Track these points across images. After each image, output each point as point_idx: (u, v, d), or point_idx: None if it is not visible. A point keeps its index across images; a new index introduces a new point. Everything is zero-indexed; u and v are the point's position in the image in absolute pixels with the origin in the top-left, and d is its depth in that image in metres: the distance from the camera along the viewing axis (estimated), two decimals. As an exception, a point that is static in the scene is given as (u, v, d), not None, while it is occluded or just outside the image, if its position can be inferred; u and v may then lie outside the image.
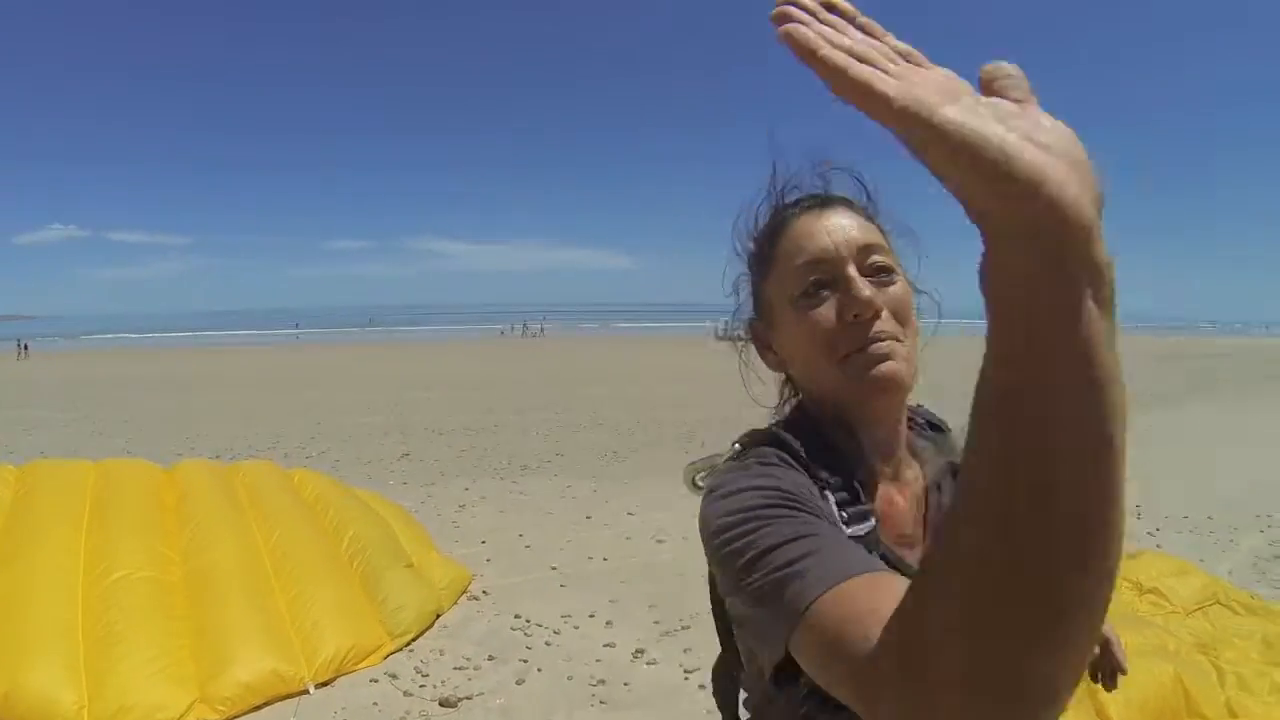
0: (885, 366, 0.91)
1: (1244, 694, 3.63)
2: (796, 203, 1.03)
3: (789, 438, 0.96)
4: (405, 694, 3.90)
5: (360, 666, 4.10)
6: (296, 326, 71.92)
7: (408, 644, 4.37)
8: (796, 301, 0.96)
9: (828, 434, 0.98)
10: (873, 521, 0.92)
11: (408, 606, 4.50)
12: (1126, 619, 4.10)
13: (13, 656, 3.68)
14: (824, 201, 1.01)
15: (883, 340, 0.92)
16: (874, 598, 0.65)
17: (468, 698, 3.88)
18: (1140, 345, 39.17)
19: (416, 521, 6.02)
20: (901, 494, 1.00)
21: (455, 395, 17.20)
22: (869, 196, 1.06)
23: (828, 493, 0.91)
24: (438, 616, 4.73)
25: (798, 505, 0.83)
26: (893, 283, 0.96)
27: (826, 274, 0.94)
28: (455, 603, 4.98)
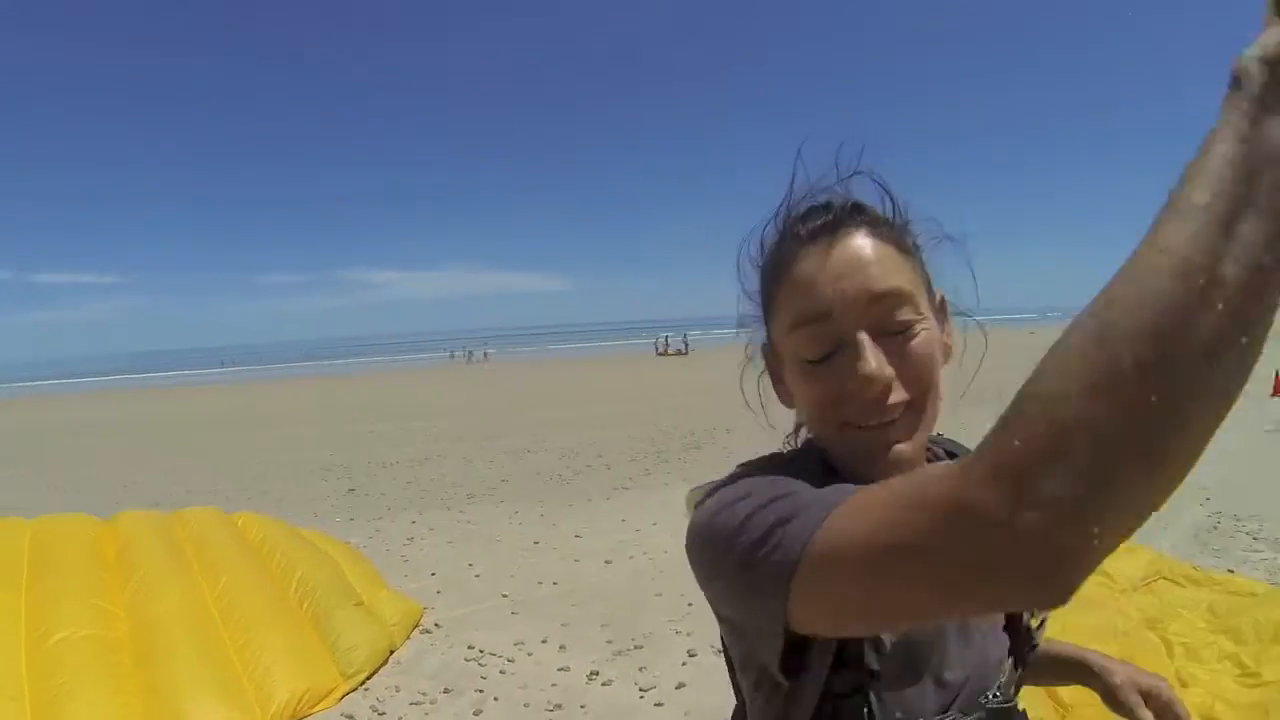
0: (891, 454, 0.83)
1: (1192, 663, 3.74)
2: (806, 219, 0.89)
3: (790, 462, 0.90)
4: (362, 733, 3.90)
5: (316, 710, 4.08)
6: (222, 365, 70.90)
7: (362, 683, 4.36)
8: (797, 360, 0.87)
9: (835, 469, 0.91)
10: None
11: (360, 645, 4.49)
12: (1077, 601, 4.21)
13: (-40, 726, 3.59)
14: (836, 223, 0.86)
15: (893, 421, 0.83)
16: (890, 486, 0.62)
17: (426, 732, 3.90)
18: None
19: (365, 558, 6.00)
20: None
21: (398, 427, 17.08)
22: (895, 207, 0.92)
23: None
24: (391, 653, 4.72)
25: (783, 481, 0.80)
26: (914, 335, 0.84)
27: (831, 335, 0.83)
28: (408, 638, 4.98)
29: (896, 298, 0.83)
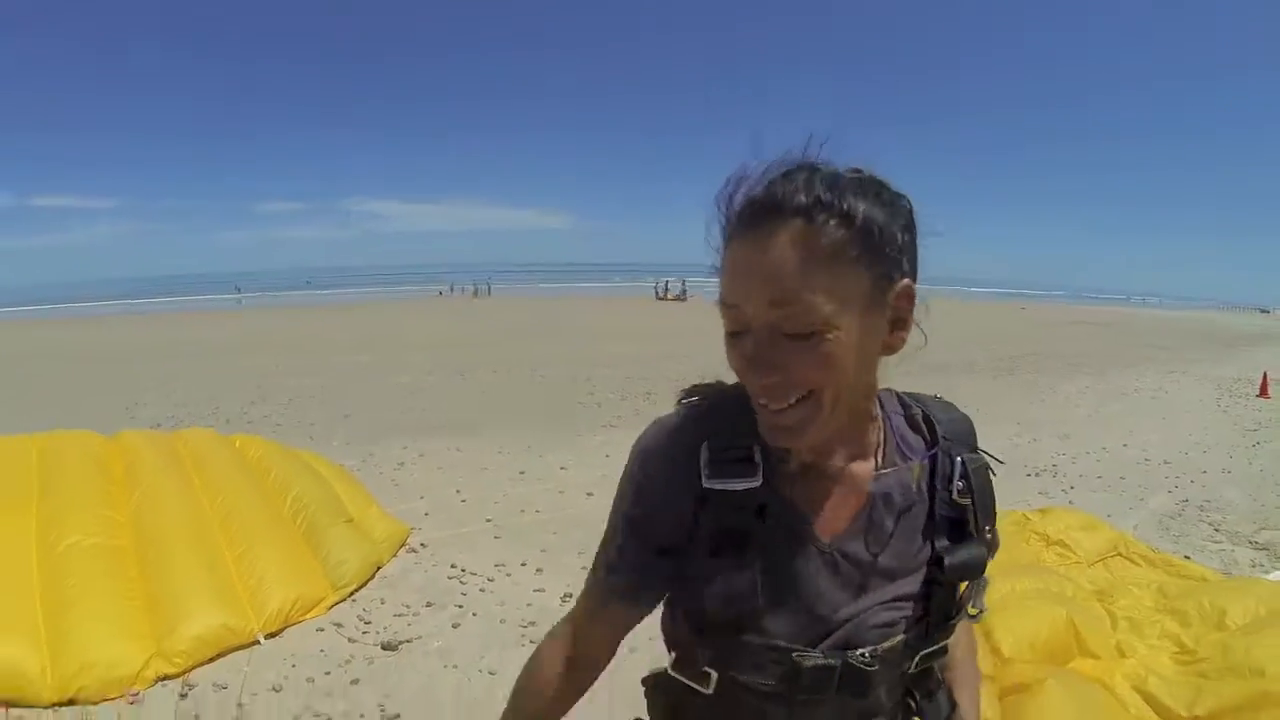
0: (780, 431, 0.92)
1: (1134, 637, 3.82)
2: (750, 207, 0.89)
3: (717, 396, 1.05)
4: (350, 640, 4.16)
5: (306, 617, 4.33)
6: (238, 290, 69.78)
7: (350, 595, 4.62)
8: (726, 329, 0.94)
9: None
10: (754, 482, 0.96)
11: (349, 560, 4.73)
12: (1028, 567, 4.33)
13: (-26, 630, 3.76)
14: (769, 214, 0.86)
15: (788, 409, 0.90)
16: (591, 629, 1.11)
17: (407, 641, 4.17)
18: (1063, 313, 40.56)
19: (357, 480, 6.21)
20: (842, 486, 1.02)
21: (395, 357, 17.20)
22: (836, 203, 0.87)
23: (705, 444, 0.98)
24: (378, 569, 4.97)
25: (640, 524, 1.04)
26: (814, 346, 0.87)
27: (741, 320, 0.90)
28: (394, 555, 5.23)
29: (799, 308, 0.85)
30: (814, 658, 0.98)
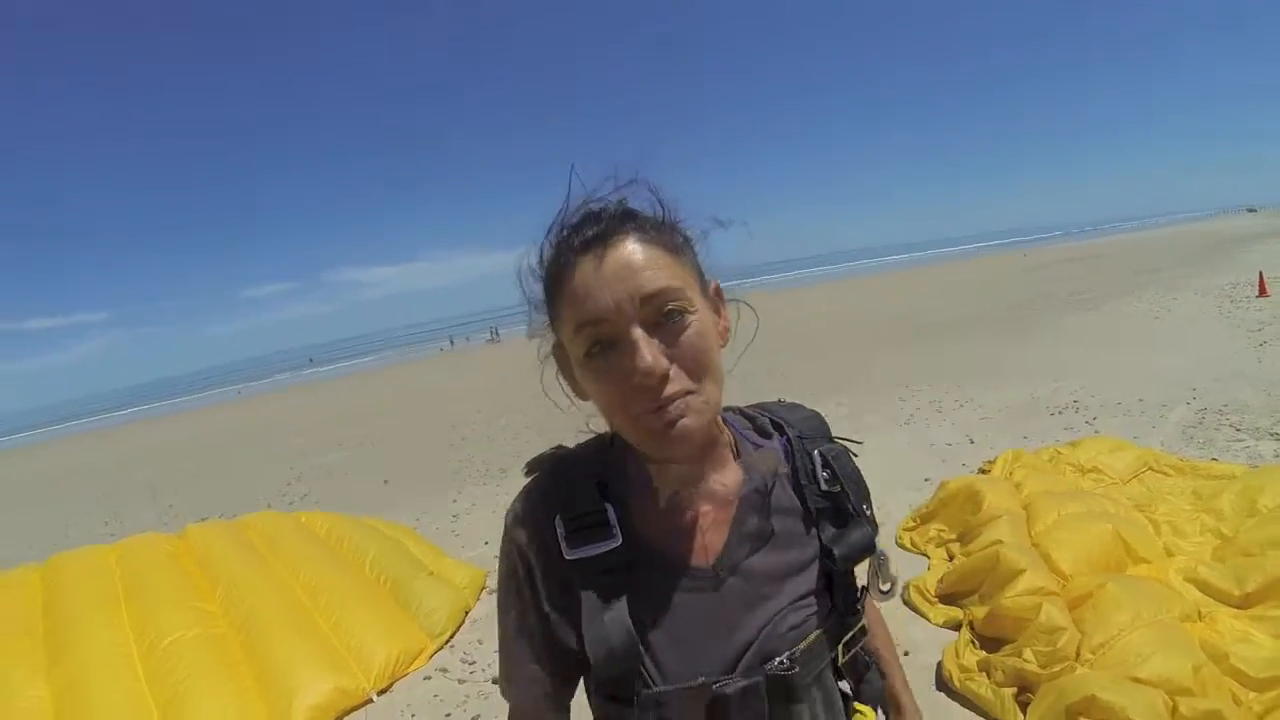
0: (675, 431, 0.92)
1: (1178, 538, 4.11)
2: (579, 230, 0.96)
3: (553, 468, 1.09)
4: (459, 681, 4.37)
5: (411, 669, 4.53)
6: (239, 391, 69.48)
7: (447, 641, 4.82)
8: (584, 362, 0.95)
9: (624, 454, 1.07)
10: (614, 543, 0.98)
11: (439, 609, 4.95)
12: (1069, 493, 4.56)
13: (92, 741, 3.88)
14: (608, 233, 0.94)
15: (674, 401, 0.91)
16: None
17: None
18: (1063, 252, 40.84)
19: (421, 536, 6.42)
20: (708, 505, 1.05)
21: (417, 416, 17.33)
22: (664, 210, 1.01)
23: (557, 518, 1.01)
24: (466, 613, 5.17)
25: (517, 600, 1.06)
26: (686, 326, 0.93)
27: (608, 335, 0.92)
28: (478, 598, 5.43)
29: (665, 295, 0.91)
30: (734, 683, 0.97)
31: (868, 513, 1.12)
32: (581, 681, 1.08)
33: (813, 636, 1.04)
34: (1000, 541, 4.05)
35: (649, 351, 0.89)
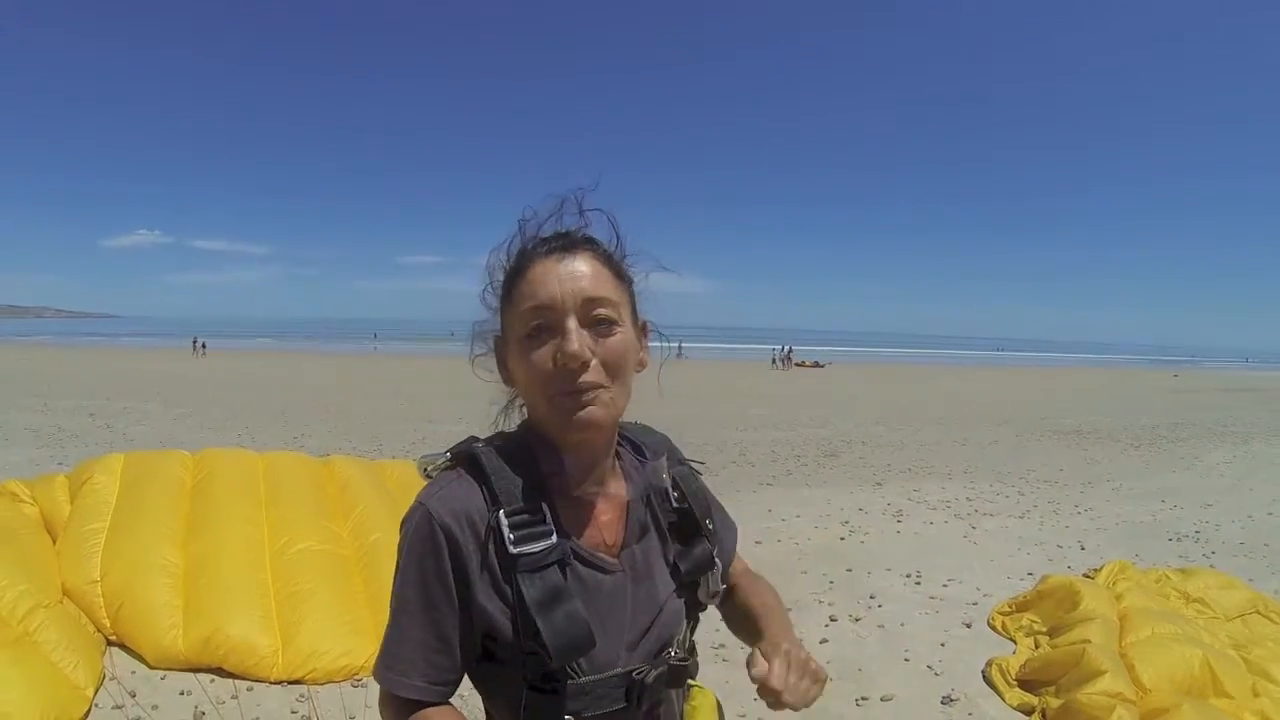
0: (584, 414, 1.02)
1: (1268, 681, 3.97)
2: (545, 242, 1.10)
3: (487, 462, 1.07)
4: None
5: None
6: (375, 337, 71.44)
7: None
8: (523, 340, 1.05)
9: (537, 454, 1.10)
10: (552, 540, 1.03)
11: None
12: (1167, 614, 4.48)
13: (214, 606, 4.22)
14: (568, 245, 1.08)
15: (587, 390, 1.01)
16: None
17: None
18: (1217, 380, 39.08)
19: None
20: (607, 505, 1.13)
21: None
22: (619, 244, 1.14)
23: (501, 513, 1.02)
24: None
25: (429, 589, 1.03)
26: (612, 334, 1.04)
27: (548, 320, 1.03)
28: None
29: (602, 303, 1.04)
30: (650, 671, 1.09)
31: (709, 526, 1.21)
32: (467, 676, 1.12)
33: (687, 626, 1.18)
34: (1088, 641, 4.05)
35: (578, 340, 1.01)
